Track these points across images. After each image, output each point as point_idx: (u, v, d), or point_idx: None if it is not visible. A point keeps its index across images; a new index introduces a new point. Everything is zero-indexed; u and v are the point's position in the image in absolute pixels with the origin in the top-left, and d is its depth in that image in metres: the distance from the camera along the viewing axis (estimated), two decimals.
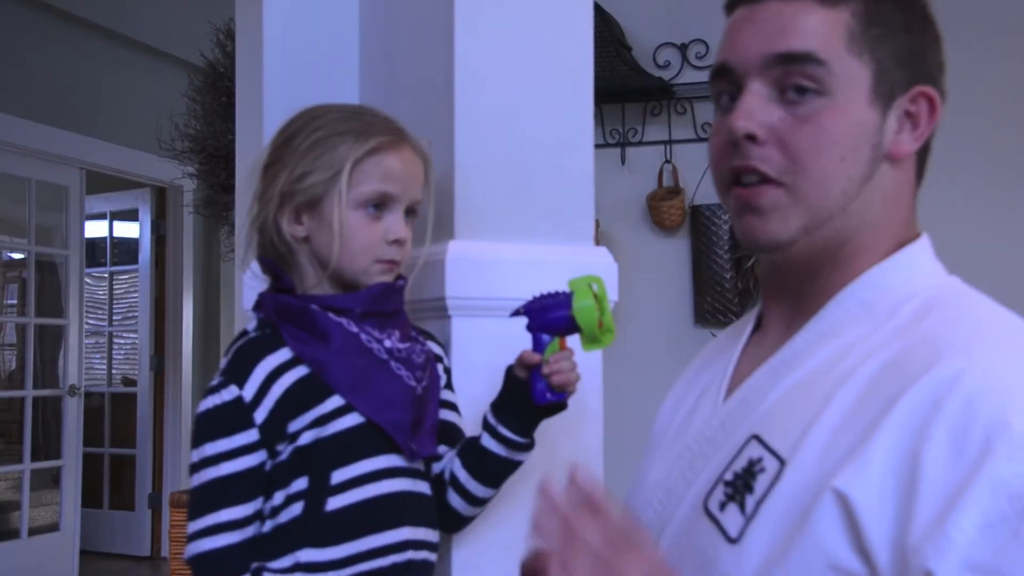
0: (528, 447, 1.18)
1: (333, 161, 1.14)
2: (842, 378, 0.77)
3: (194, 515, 1.10)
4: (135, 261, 5.75)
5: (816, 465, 0.74)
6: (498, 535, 1.30)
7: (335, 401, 1.12)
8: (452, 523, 1.23)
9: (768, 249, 0.83)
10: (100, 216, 5.81)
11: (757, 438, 0.80)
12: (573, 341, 1.14)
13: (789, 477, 0.75)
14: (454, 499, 1.20)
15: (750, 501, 0.77)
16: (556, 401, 1.15)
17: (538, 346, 1.14)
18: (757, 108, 0.81)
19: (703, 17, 3.14)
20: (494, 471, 1.18)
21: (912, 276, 0.83)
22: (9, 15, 4.49)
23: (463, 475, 1.19)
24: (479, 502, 1.21)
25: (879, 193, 0.82)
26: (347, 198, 1.13)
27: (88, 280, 5.57)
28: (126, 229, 5.86)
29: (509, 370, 1.17)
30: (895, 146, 0.82)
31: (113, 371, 5.97)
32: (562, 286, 1.15)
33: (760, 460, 0.78)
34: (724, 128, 0.83)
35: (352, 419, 1.12)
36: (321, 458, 1.11)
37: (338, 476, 1.10)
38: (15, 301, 5.21)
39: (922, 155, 0.86)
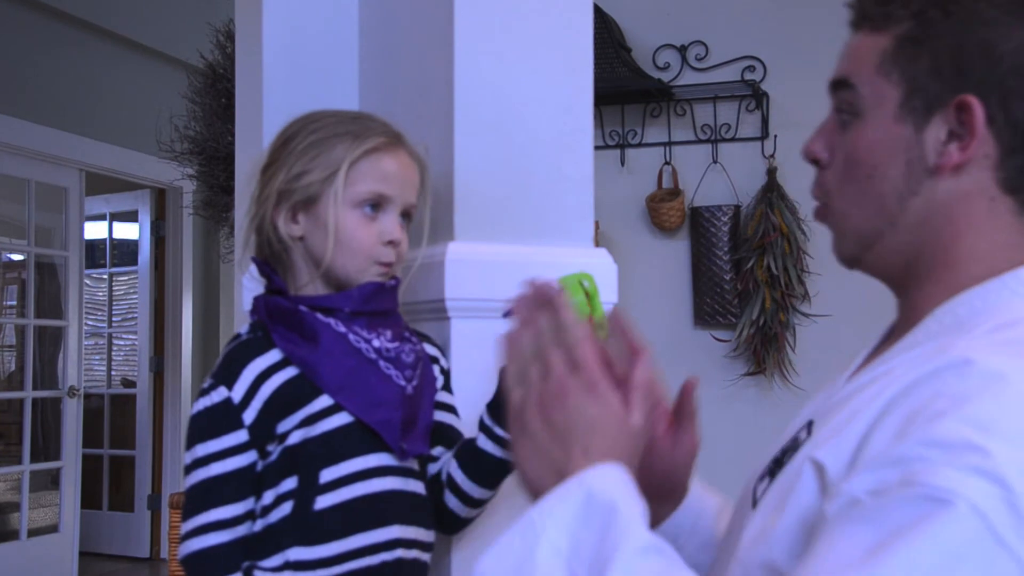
0: None
1: (330, 161, 1.15)
2: (891, 375, 0.78)
3: (186, 516, 1.11)
4: (135, 262, 5.75)
5: (818, 443, 0.77)
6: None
7: (324, 401, 1.12)
8: (450, 525, 1.23)
9: (844, 263, 0.89)
10: (100, 217, 5.81)
11: (810, 423, 0.84)
12: None
13: (800, 451, 0.80)
14: (451, 501, 1.20)
15: (778, 474, 0.82)
16: None
17: None
18: (825, 134, 0.88)
19: (703, 19, 3.15)
20: (490, 472, 1.18)
21: (1014, 299, 0.79)
22: (9, 16, 4.49)
23: (460, 476, 1.19)
24: (476, 503, 1.21)
25: (936, 208, 0.82)
26: (343, 198, 1.14)
27: (87, 281, 5.57)
28: (126, 230, 5.86)
29: (503, 370, 1.17)
30: (941, 158, 0.81)
31: (112, 372, 5.97)
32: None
33: (801, 441, 0.83)
34: None
35: (341, 418, 1.12)
36: (310, 457, 1.11)
37: (327, 475, 1.11)
38: (14, 302, 5.21)
39: (1015, 168, 0.81)
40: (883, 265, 0.86)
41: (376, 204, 1.16)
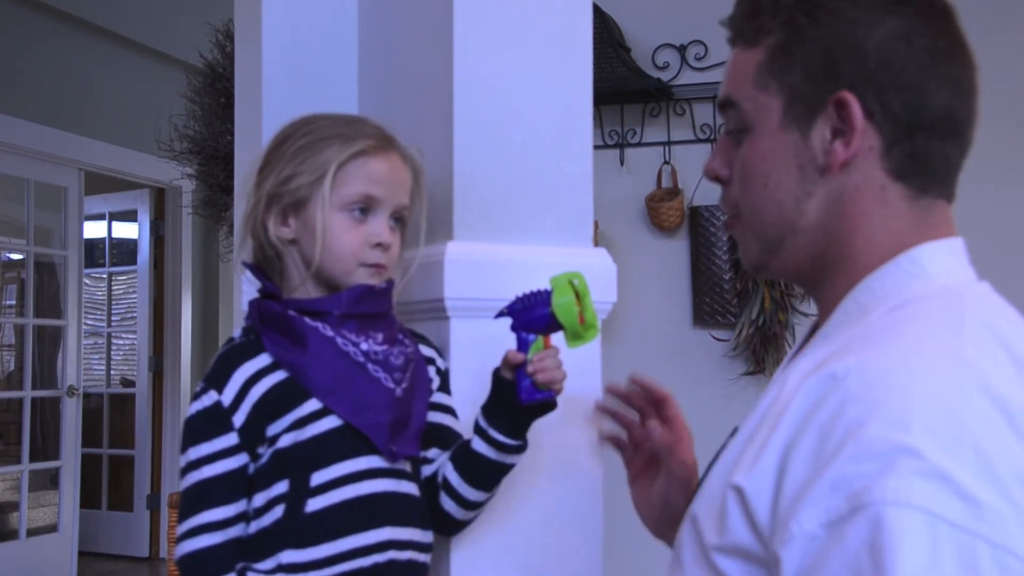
0: (519, 449, 1.18)
1: (319, 164, 1.15)
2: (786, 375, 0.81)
3: (180, 518, 1.13)
4: (134, 262, 5.75)
5: (736, 452, 0.79)
6: (497, 537, 1.30)
7: (313, 404, 1.12)
8: (447, 527, 1.23)
9: (752, 270, 0.93)
10: (99, 217, 5.81)
11: (735, 430, 0.86)
12: (559, 340, 1.14)
13: (721, 457, 0.83)
14: (447, 503, 1.20)
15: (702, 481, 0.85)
16: (543, 400, 1.14)
17: (523, 346, 1.14)
18: (720, 152, 0.91)
19: (702, 18, 3.14)
20: (485, 474, 1.18)
21: (909, 280, 0.82)
22: (8, 15, 4.49)
23: (455, 478, 1.19)
24: (473, 506, 1.21)
25: (831, 205, 0.84)
26: (331, 200, 1.15)
27: (87, 281, 5.57)
28: (125, 230, 5.86)
29: (496, 372, 1.17)
30: (830, 157, 0.83)
31: (112, 372, 5.97)
32: None
33: (725, 446, 0.85)
34: None
35: (331, 421, 1.13)
36: (300, 461, 1.12)
37: (317, 478, 1.11)
38: (14, 302, 5.21)
39: (901, 156, 0.83)
40: (790, 268, 0.89)
41: (365, 207, 1.17)
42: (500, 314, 1.17)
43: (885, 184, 0.84)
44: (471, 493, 1.19)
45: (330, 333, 1.14)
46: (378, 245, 1.17)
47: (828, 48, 0.83)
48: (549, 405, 1.16)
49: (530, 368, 1.12)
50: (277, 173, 1.17)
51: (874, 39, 0.81)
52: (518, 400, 1.13)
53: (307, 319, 1.14)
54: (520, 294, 1.15)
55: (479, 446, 1.17)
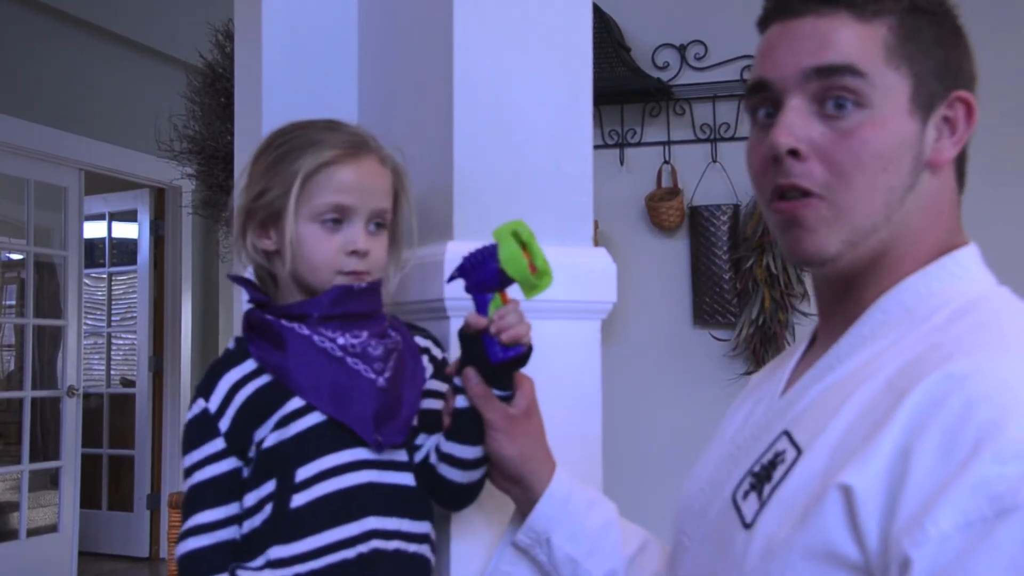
0: (505, 398, 1.16)
1: (287, 176, 1.17)
2: (866, 378, 0.79)
3: (181, 520, 1.16)
4: (134, 262, 5.76)
5: (828, 458, 0.76)
6: (497, 529, 1.30)
7: (296, 402, 1.14)
8: (453, 497, 1.22)
9: (815, 264, 0.85)
10: (99, 217, 5.82)
11: (787, 433, 0.83)
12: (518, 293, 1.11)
13: (801, 466, 0.78)
14: (444, 469, 1.19)
15: (767, 489, 0.80)
16: (514, 356, 1.10)
17: (481, 307, 1.11)
18: (798, 123, 0.82)
19: (702, 18, 3.15)
20: (471, 428, 1.16)
21: (956, 282, 0.83)
22: (9, 15, 4.49)
23: (445, 444, 1.18)
24: (469, 464, 1.18)
25: (920, 202, 0.84)
26: (301, 212, 1.16)
27: (87, 281, 5.57)
28: (125, 230, 5.86)
29: (461, 332, 1.15)
30: (935, 154, 0.83)
31: (112, 372, 5.97)
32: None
33: (783, 452, 0.81)
34: (764, 143, 0.84)
35: (314, 418, 1.14)
36: (285, 458, 1.13)
37: (302, 473, 1.13)
38: (14, 302, 5.21)
39: (960, 161, 0.87)
40: (854, 263, 0.84)
41: (338, 216, 1.18)
42: (452, 277, 1.15)
43: (954, 188, 0.86)
44: (460, 450, 1.17)
45: (306, 332, 1.16)
46: (354, 252, 1.18)
47: (952, 45, 0.83)
48: (522, 360, 1.13)
49: (493, 328, 1.09)
50: (250, 189, 1.20)
51: (970, 48, 0.84)
52: (489, 362, 1.11)
53: (283, 321, 1.17)
54: (467, 253, 1.13)
55: (460, 403, 1.16)
